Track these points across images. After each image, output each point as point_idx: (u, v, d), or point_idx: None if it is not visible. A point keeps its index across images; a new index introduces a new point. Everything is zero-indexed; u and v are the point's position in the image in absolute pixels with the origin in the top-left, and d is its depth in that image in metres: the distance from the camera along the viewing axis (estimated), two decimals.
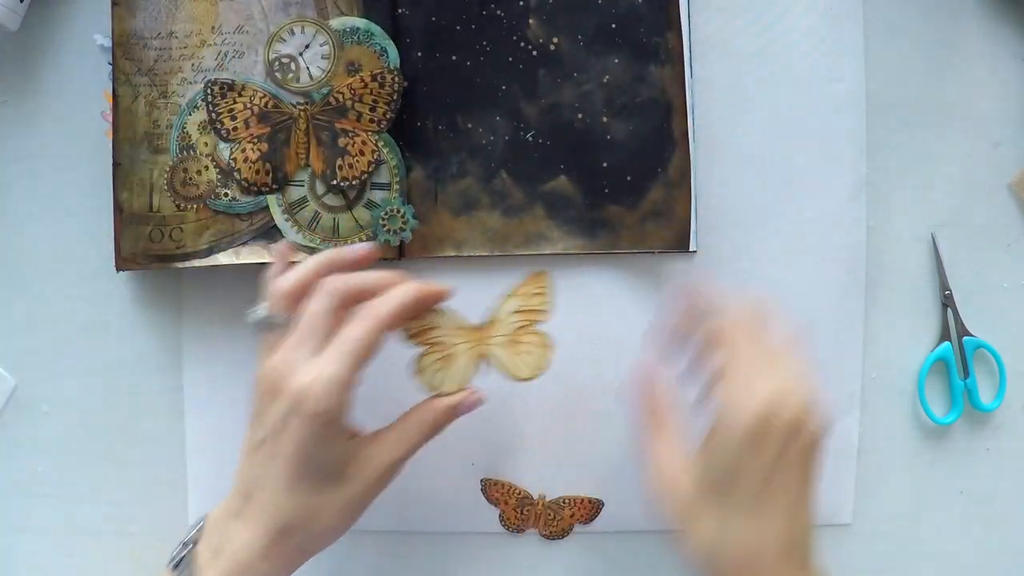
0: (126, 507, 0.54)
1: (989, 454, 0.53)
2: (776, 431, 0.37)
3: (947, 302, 0.52)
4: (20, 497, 0.55)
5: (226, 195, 0.50)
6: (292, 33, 0.49)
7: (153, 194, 0.50)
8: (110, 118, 0.50)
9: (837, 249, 0.51)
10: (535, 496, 0.52)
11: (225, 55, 0.50)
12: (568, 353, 0.51)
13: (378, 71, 0.49)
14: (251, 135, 0.49)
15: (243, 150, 0.49)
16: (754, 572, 0.38)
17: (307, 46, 0.49)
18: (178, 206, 0.50)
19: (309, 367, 0.39)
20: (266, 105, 0.49)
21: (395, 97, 0.49)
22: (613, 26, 0.49)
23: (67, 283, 0.53)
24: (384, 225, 0.49)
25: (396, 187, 0.49)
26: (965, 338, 0.52)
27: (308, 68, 0.49)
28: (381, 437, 0.43)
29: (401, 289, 0.42)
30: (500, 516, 0.53)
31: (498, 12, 0.50)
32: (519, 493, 0.52)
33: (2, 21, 0.50)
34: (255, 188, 0.49)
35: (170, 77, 0.50)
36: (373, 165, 0.49)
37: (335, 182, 0.49)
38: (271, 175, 0.49)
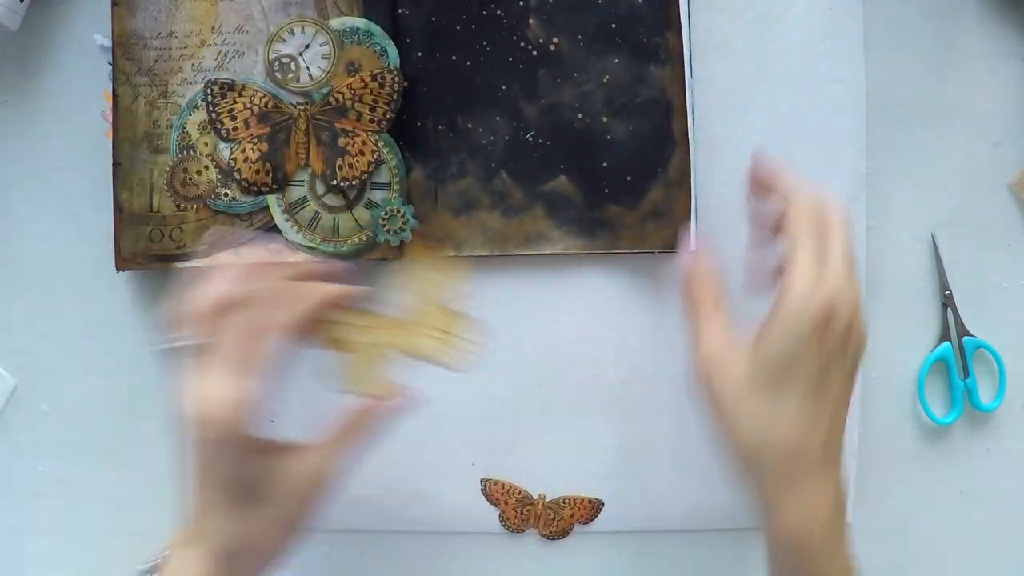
0: (126, 507, 0.54)
1: (989, 454, 0.53)
2: (837, 326, 0.38)
3: (947, 302, 0.52)
4: (20, 497, 0.55)
5: (226, 195, 0.50)
6: (292, 33, 0.49)
7: (153, 194, 0.50)
8: (110, 118, 0.50)
9: None
10: (535, 496, 0.52)
11: (225, 55, 0.50)
12: (568, 353, 0.52)
13: (378, 71, 0.49)
14: (251, 135, 0.49)
15: (243, 150, 0.49)
16: (801, 462, 0.38)
17: (307, 46, 0.49)
18: (178, 206, 0.50)
19: (203, 390, 0.38)
20: (266, 105, 0.49)
21: (395, 97, 0.49)
22: (613, 26, 0.49)
23: (67, 283, 0.53)
24: (384, 225, 0.49)
25: (396, 187, 0.49)
26: (965, 338, 0.52)
27: (308, 68, 0.49)
28: (307, 451, 0.41)
29: (299, 295, 0.41)
30: (500, 516, 0.53)
31: (498, 12, 0.50)
32: (519, 493, 0.52)
33: (2, 21, 0.50)
34: (255, 188, 0.49)
35: (170, 77, 0.50)
36: (373, 165, 0.49)
37: (335, 182, 0.49)
38: (271, 175, 0.49)
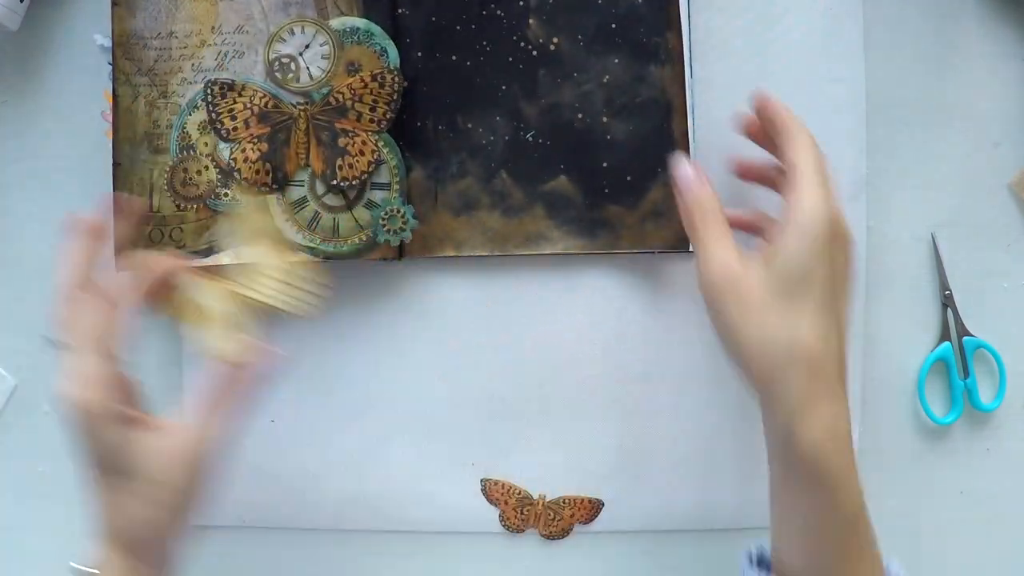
0: None
1: (989, 454, 0.53)
2: (841, 240, 0.40)
3: (947, 302, 0.52)
4: (20, 497, 0.55)
5: (226, 195, 0.50)
6: (292, 33, 0.49)
7: (153, 194, 0.50)
8: (110, 118, 0.50)
9: None
10: (535, 496, 0.52)
11: (225, 55, 0.50)
12: (568, 353, 0.52)
13: (378, 71, 0.49)
14: (251, 135, 0.49)
15: (243, 150, 0.49)
16: (822, 373, 0.39)
17: (307, 46, 0.49)
18: (178, 206, 0.50)
19: (61, 373, 0.41)
20: (266, 105, 0.49)
21: (395, 97, 0.49)
22: (613, 26, 0.49)
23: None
24: (384, 225, 0.49)
25: (396, 187, 0.49)
26: (965, 338, 0.52)
27: (308, 68, 0.49)
28: (176, 425, 0.42)
29: (131, 269, 0.45)
30: (500, 516, 0.53)
31: (498, 12, 0.50)
32: (519, 493, 0.52)
33: (2, 21, 0.50)
34: (255, 188, 0.49)
35: (170, 77, 0.50)
36: (373, 165, 0.49)
37: (335, 182, 0.49)
38: (271, 175, 0.49)
